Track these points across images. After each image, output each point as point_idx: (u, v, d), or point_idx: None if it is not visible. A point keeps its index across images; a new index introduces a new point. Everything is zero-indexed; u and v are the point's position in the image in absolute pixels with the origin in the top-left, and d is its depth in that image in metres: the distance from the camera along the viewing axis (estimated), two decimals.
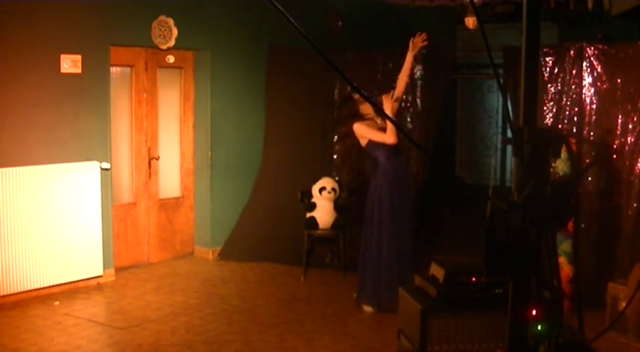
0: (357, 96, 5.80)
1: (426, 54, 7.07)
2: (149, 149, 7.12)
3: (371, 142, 5.65)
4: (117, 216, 6.78)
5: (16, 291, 5.77)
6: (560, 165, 5.22)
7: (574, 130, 5.99)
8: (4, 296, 5.68)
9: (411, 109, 7.02)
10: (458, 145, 10.60)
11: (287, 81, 7.67)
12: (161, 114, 7.25)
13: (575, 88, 5.99)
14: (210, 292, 6.25)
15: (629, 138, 5.72)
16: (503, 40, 8.00)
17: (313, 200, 6.74)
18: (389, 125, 5.55)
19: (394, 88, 5.80)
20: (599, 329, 2.39)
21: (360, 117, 5.71)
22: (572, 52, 6.00)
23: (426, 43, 5.73)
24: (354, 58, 7.41)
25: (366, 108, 5.73)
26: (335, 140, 7.46)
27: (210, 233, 7.48)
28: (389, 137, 5.56)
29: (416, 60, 5.91)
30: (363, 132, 5.67)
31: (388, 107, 5.57)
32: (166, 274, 6.82)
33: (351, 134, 5.73)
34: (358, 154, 5.81)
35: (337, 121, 6.05)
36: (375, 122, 5.73)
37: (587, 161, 6.01)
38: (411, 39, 5.75)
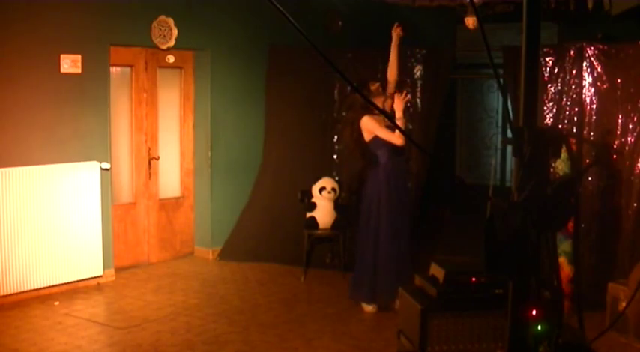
0: (373, 87, 5.72)
1: (426, 54, 7.08)
2: (149, 149, 7.12)
3: (376, 139, 5.59)
4: (117, 216, 6.78)
5: (16, 291, 5.77)
6: (560, 165, 5.22)
7: (574, 130, 5.99)
8: (4, 296, 5.68)
9: (411, 109, 7.02)
10: (458, 145, 10.59)
11: (287, 81, 7.67)
12: (161, 114, 7.25)
13: (575, 88, 5.99)
14: (210, 292, 6.25)
15: (629, 138, 5.72)
16: (503, 40, 7.99)
17: (313, 200, 6.74)
18: (399, 125, 5.50)
19: (405, 86, 5.74)
20: (599, 329, 2.39)
21: (370, 110, 5.63)
22: (572, 52, 5.99)
23: (400, 31, 5.63)
24: (354, 58, 7.41)
25: (378, 102, 5.68)
26: (336, 138, 7.46)
27: (210, 233, 7.48)
28: (397, 138, 5.49)
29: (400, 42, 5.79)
30: (372, 127, 5.59)
31: (399, 105, 5.52)
32: (166, 274, 6.82)
33: (358, 122, 5.67)
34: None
35: (348, 106, 5.96)
36: (380, 119, 5.68)
37: (587, 161, 6.01)
38: (393, 30, 5.68)
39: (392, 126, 5.55)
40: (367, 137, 5.64)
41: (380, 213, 5.62)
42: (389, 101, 5.66)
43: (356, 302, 5.82)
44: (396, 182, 5.66)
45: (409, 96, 5.74)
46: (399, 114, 5.51)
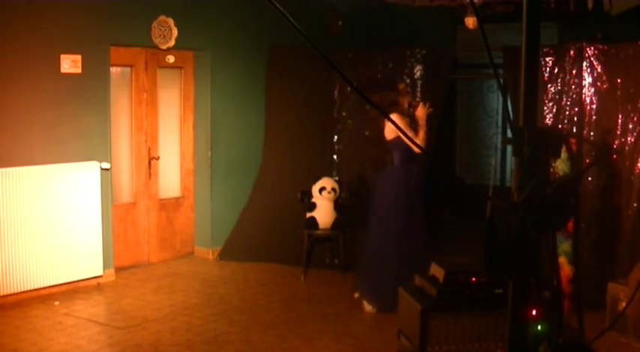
0: (400, 87, 5.70)
1: (426, 54, 7.08)
2: (149, 149, 7.12)
3: (397, 139, 5.59)
4: (117, 216, 6.78)
5: (16, 291, 5.77)
6: (560, 165, 5.22)
7: (574, 130, 5.99)
8: (4, 296, 5.68)
9: (411, 109, 7.01)
10: (458, 145, 10.59)
11: (287, 81, 7.67)
12: (161, 114, 7.25)
13: (575, 88, 5.99)
14: (210, 292, 6.25)
15: (629, 138, 5.72)
16: (503, 40, 7.99)
17: (313, 200, 6.74)
18: (420, 134, 5.51)
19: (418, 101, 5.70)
20: (599, 329, 2.39)
21: (399, 109, 5.60)
22: (572, 52, 5.99)
23: (431, 110, 5.63)
24: (354, 58, 7.41)
25: (405, 102, 5.68)
26: (336, 138, 7.46)
27: (210, 233, 7.48)
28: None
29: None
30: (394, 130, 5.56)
31: (422, 115, 5.49)
32: (166, 274, 6.82)
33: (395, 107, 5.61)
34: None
35: (380, 102, 5.89)
36: (406, 120, 5.63)
37: (587, 161, 6.01)
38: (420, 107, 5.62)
39: (414, 130, 5.54)
40: (389, 135, 5.62)
41: (396, 214, 5.58)
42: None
43: (358, 299, 5.82)
44: (408, 185, 5.61)
45: (432, 109, 5.68)
46: (422, 122, 5.50)
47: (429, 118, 5.70)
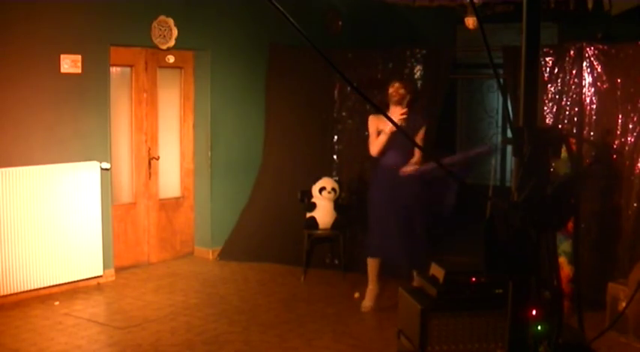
0: (391, 90, 5.65)
1: (426, 54, 7.08)
2: (149, 149, 7.12)
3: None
4: (117, 216, 6.78)
5: (16, 291, 5.77)
6: (560, 165, 5.22)
7: (574, 130, 5.99)
8: (4, 296, 5.68)
9: (404, 124, 6.97)
10: (458, 145, 10.59)
11: (287, 81, 7.67)
12: (161, 114, 7.25)
13: (575, 88, 5.99)
14: (210, 292, 6.25)
15: (629, 138, 5.72)
16: (503, 40, 7.99)
17: (313, 200, 6.74)
18: (381, 137, 5.47)
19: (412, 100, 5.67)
20: (599, 329, 2.39)
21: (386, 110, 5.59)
22: (572, 52, 5.99)
23: (403, 116, 5.46)
24: (354, 58, 7.40)
25: (396, 108, 5.69)
26: (336, 138, 7.46)
27: (210, 233, 7.48)
28: (373, 146, 5.52)
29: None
30: (369, 127, 5.62)
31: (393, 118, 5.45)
32: (166, 274, 6.82)
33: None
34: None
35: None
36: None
37: (587, 161, 6.01)
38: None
39: (386, 133, 5.52)
40: None
41: (394, 215, 5.58)
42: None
43: (358, 299, 5.85)
44: (406, 186, 5.57)
45: (405, 116, 5.54)
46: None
47: (427, 117, 5.63)
